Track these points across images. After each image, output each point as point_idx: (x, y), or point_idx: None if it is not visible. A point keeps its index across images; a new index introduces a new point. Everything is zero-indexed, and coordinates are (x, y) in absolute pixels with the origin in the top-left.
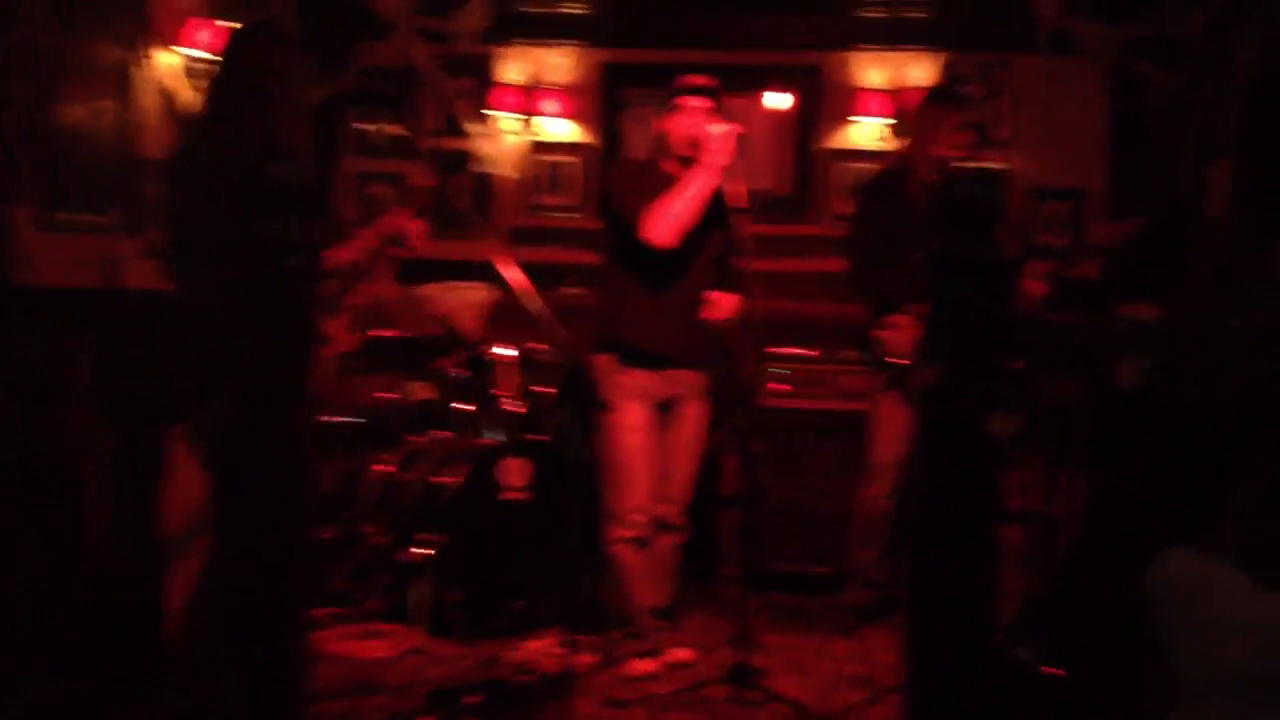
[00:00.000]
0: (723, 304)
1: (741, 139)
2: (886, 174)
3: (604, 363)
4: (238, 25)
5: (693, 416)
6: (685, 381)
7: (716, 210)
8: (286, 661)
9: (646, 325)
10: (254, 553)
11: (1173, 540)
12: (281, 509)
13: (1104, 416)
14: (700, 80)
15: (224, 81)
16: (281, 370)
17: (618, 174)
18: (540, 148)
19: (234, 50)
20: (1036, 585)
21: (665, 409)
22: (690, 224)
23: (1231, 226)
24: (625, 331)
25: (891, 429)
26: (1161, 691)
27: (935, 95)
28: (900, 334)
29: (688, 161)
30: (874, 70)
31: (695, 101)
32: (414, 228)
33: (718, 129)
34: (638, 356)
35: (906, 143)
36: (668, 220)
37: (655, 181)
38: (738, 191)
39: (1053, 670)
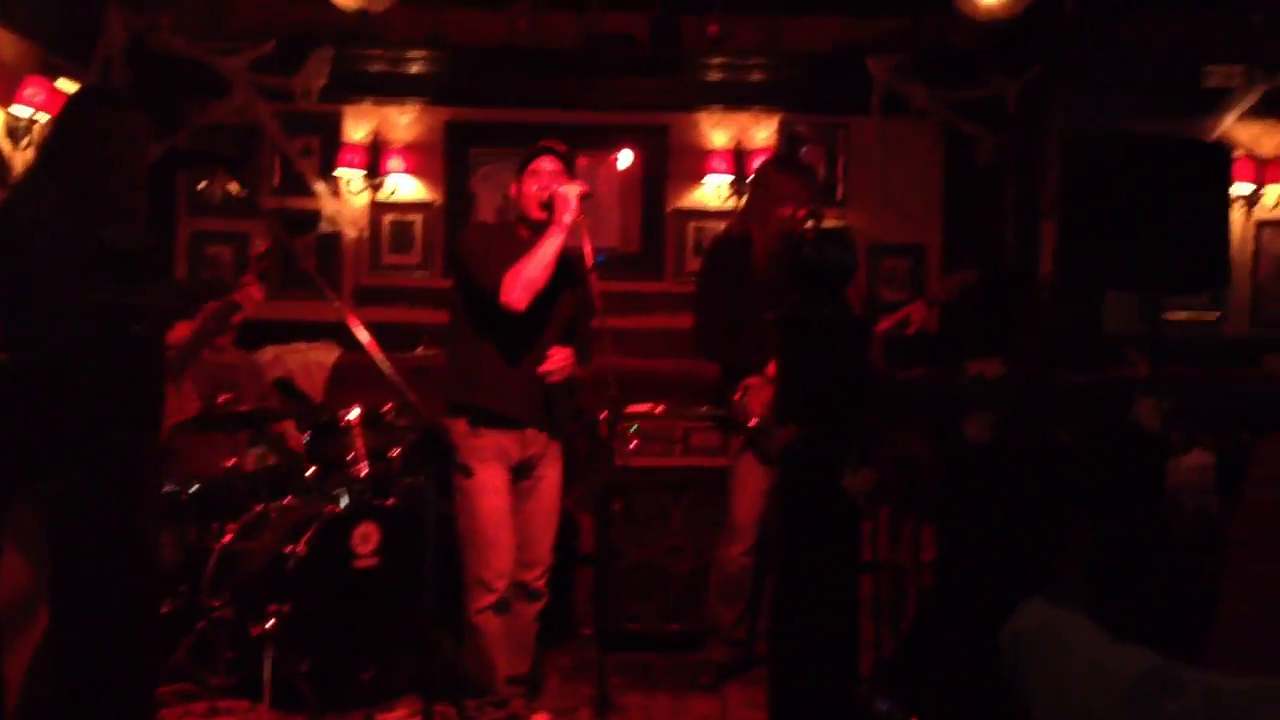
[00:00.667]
0: (556, 358)
1: (588, 198)
2: (730, 237)
3: (459, 426)
4: (72, 84)
5: (550, 479)
6: (540, 443)
7: (565, 270)
8: None
9: (500, 387)
10: (94, 628)
11: (1022, 590)
12: (123, 581)
13: (953, 470)
14: (551, 143)
15: (58, 144)
16: (123, 439)
17: (469, 237)
18: (385, 207)
19: (70, 113)
20: (890, 636)
21: (522, 472)
22: (542, 286)
23: (1059, 283)
24: (479, 394)
25: (749, 488)
26: None
27: (774, 161)
28: (754, 395)
29: (539, 224)
30: (719, 130)
31: (546, 163)
32: (253, 294)
33: (567, 190)
34: (492, 419)
35: (747, 205)
36: (522, 284)
37: (507, 244)
38: (586, 251)
39: None
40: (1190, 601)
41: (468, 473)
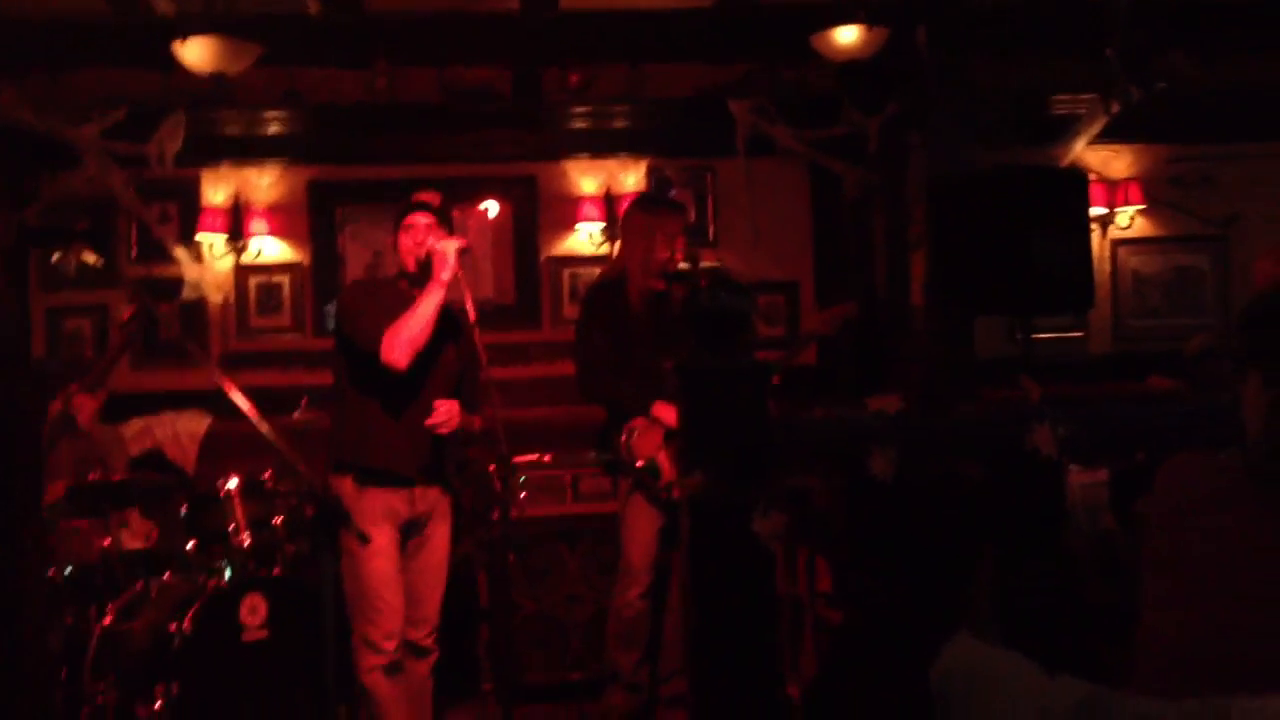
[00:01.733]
0: (441, 411)
1: (466, 253)
2: (605, 282)
3: (345, 486)
4: None
5: (439, 536)
6: (430, 500)
7: (447, 324)
8: None
9: (387, 445)
10: None
11: (933, 622)
12: (16, 676)
13: (859, 507)
14: (425, 197)
15: None
16: (4, 530)
17: (349, 296)
18: (251, 269)
19: None
20: (790, 669)
21: (411, 530)
22: (423, 342)
23: (931, 313)
24: (366, 453)
25: (641, 531)
26: None
27: (643, 201)
28: (640, 436)
29: (416, 278)
30: (587, 178)
31: (421, 218)
32: (86, 407)
33: (444, 245)
34: (380, 477)
35: (621, 248)
36: (402, 342)
37: (389, 300)
38: (467, 304)
39: None
40: (1098, 624)
41: (364, 539)
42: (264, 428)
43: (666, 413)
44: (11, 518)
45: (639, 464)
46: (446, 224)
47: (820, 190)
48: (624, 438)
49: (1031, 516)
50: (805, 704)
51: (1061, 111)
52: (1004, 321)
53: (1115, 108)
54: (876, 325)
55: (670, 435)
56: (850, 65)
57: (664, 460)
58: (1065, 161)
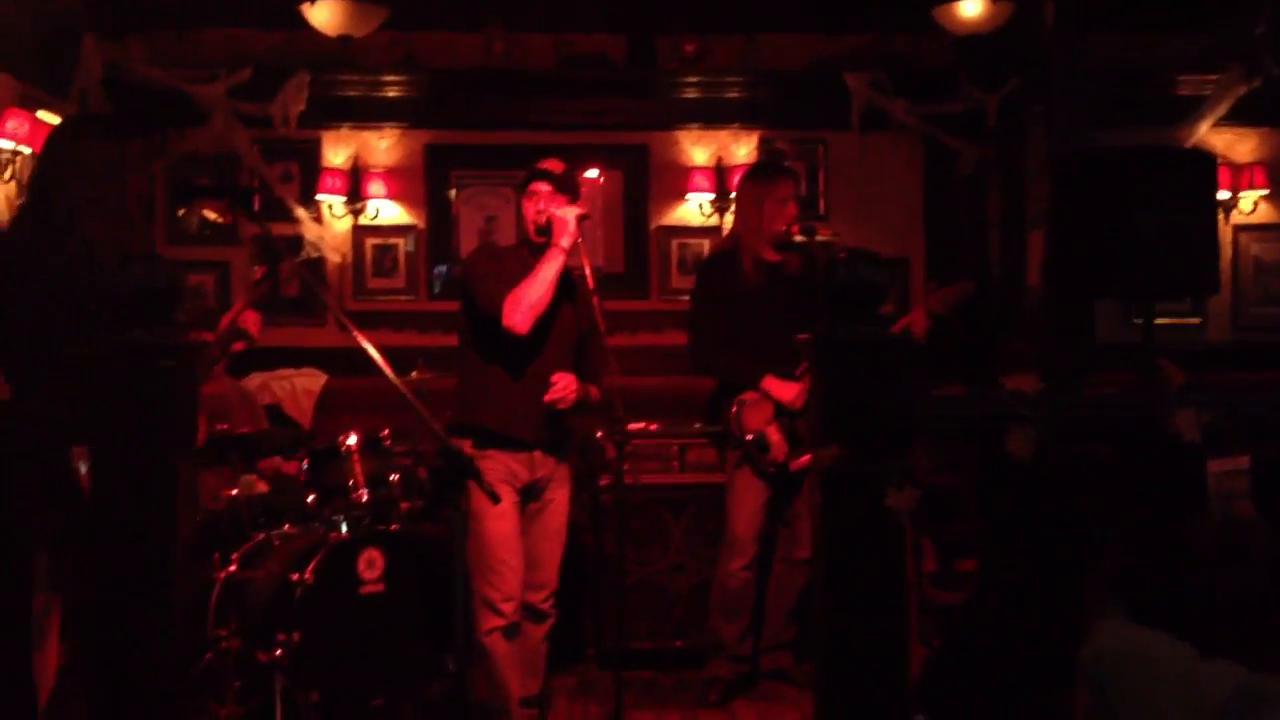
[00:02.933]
0: (559, 387)
1: (585, 219)
2: (720, 253)
3: (464, 448)
4: (53, 116)
5: (559, 500)
6: (549, 465)
7: (568, 290)
8: None
9: (507, 409)
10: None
11: (1060, 607)
12: (164, 612)
13: (994, 487)
14: (547, 164)
15: (52, 182)
16: (159, 473)
17: (475, 260)
18: (368, 231)
19: (55, 147)
20: (929, 650)
21: (531, 495)
22: (544, 308)
23: (1049, 295)
24: (486, 416)
25: (747, 503)
26: None
27: (754, 170)
28: (749, 410)
29: (538, 246)
30: (698, 148)
31: (542, 185)
32: (253, 320)
33: (564, 212)
34: (500, 441)
35: (736, 218)
36: (523, 308)
37: (512, 266)
38: (586, 271)
39: None
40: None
41: (495, 497)
42: (401, 386)
43: (777, 387)
44: (169, 460)
45: (748, 437)
46: (568, 191)
47: (934, 166)
48: (733, 410)
49: (1166, 501)
50: (924, 682)
51: (1186, 92)
52: (1119, 306)
53: (1254, 84)
54: (990, 306)
55: (780, 410)
56: (970, 39)
57: (772, 434)
58: (1189, 143)
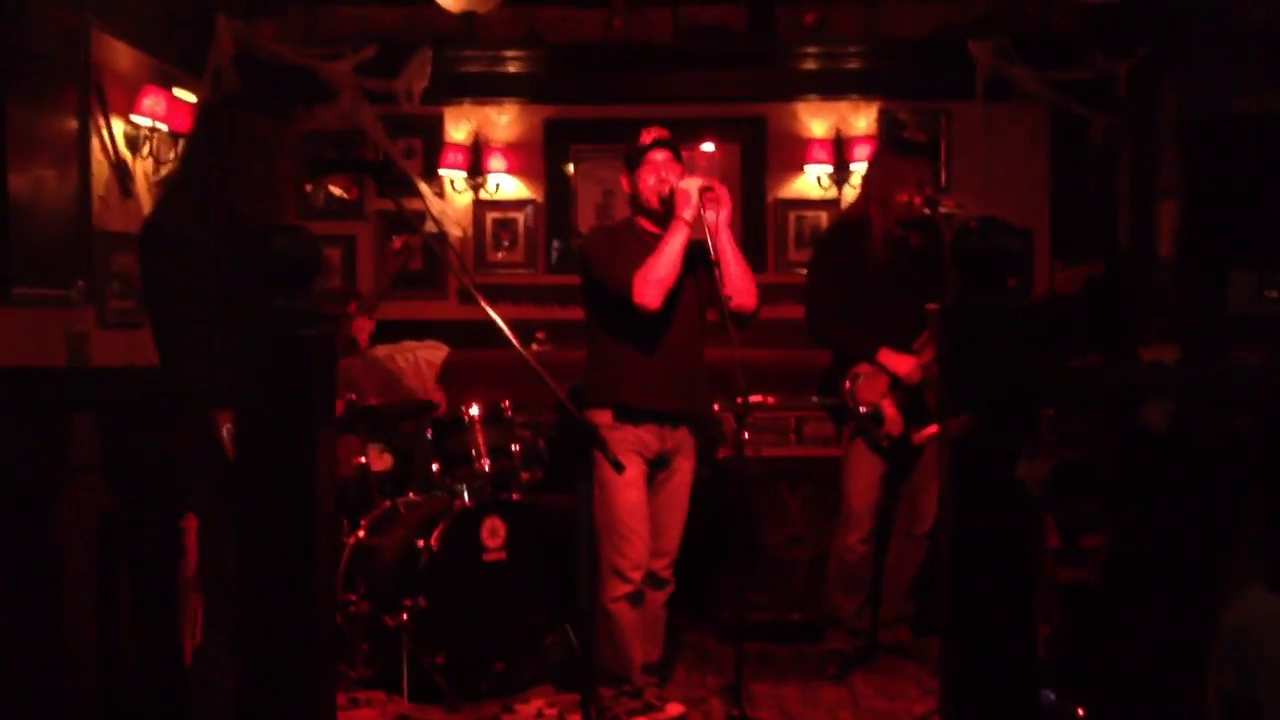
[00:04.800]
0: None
1: (708, 190)
2: (844, 223)
3: (600, 420)
4: (188, 94)
5: (684, 470)
6: (678, 437)
7: (692, 261)
8: None
9: (642, 382)
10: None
11: (1196, 581)
12: (310, 578)
13: (1131, 459)
14: (665, 134)
15: (204, 153)
16: (301, 438)
17: (593, 244)
18: (488, 205)
19: (220, 123)
20: (1056, 627)
21: (659, 465)
22: (673, 281)
23: (1181, 266)
24: (623, 391)
25: (863, 476)
26: None
27: (897, 145)
28: (864, 383)
29: (657, 215)
30: (816, 120)
31: (658, 155)
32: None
33: (688, 184)
34: (636, 414)
35: (864, 189)
36: (653, 284)
37: (631, 242)
38: (713, 242)
39: (1081, 712)
40: None
41: (620, 467)
42: (526, 354)
43: (893, 360)
44: (312, 427)
45: (862, 410)
46: (679, 160)
47: (1061, 136)
48: (848, 384)
49: None
50: (1052, 659)
51: None
52: (1251, 276)
53: None
54: (1118, 278)
55: (895, 383)
56: (1099, 4)
57: (888, 408)
58: None
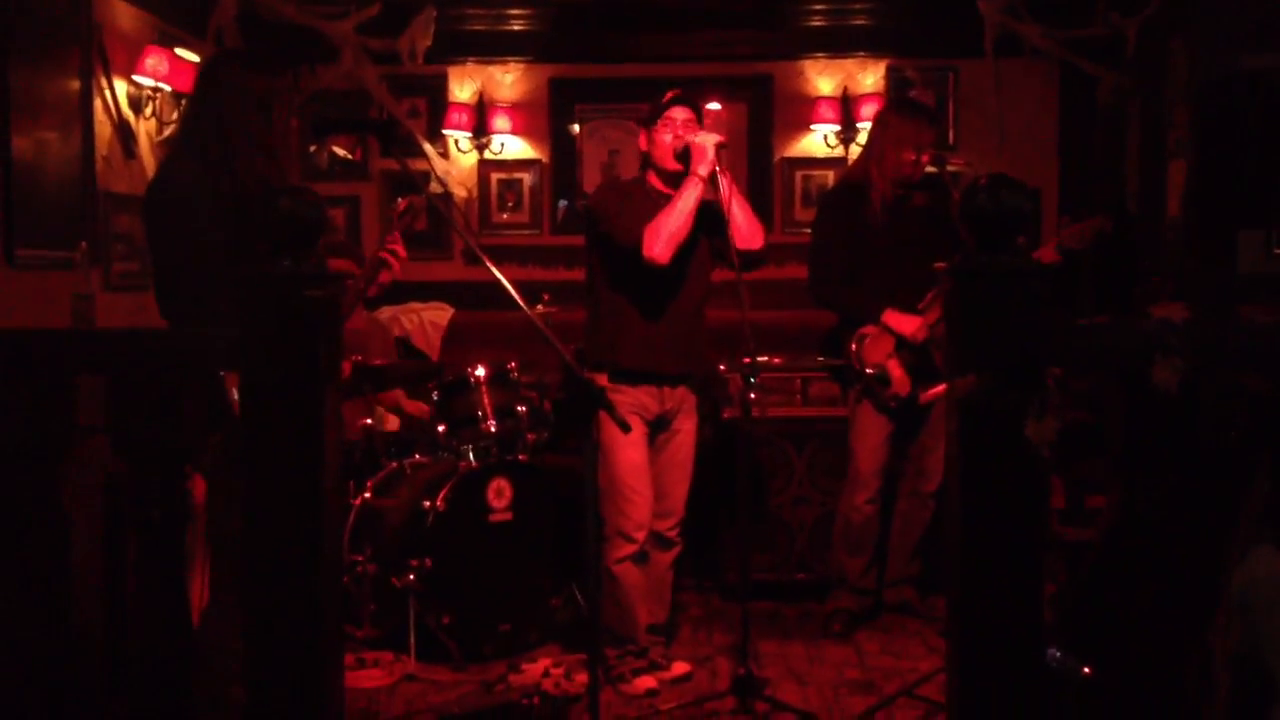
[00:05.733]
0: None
1: (723, 147)
2: (846, 184)
3: (600, 381)
4: (190, 54)
5: (686, 431)
6: (678, 397)
7: (703, 221)
8: (324, 700)
9: (642, 343)
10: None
11: (1204, 540)
12: (316, 539)
13: (1139, 418)
14: (683, 92)
15: (211, 114)
16: (307, 399)
17: (604, 197)
18: (493, 165)
19: (218, 81)
20: (1061, 586)
21: (659, 426)
22: (684, 237)
23: (1191, 225)
24: (621, 352)
25: (870, 438)
26: (1238, 691)
27: (902, 105)
28: (870, 344)
29: (672, 174)
30: (823, 78)
31: (679, 113)
32: (399, 251)
33: (703, 139)
34: (634, 376)
35: (866, 149)
36: (664, 238)
37: (642, 199)
38: (725, 200)
39: (1088, 671)
40: None
41: (626, 427)
42: (532, 314)
43: (898, 320)
44: (318, 387)
45: (868, 371)
46: (701, 120)
47: (1070, 94)
48: (853, 345)
49: None
50: (1058, 618)
51: None
52: (1260, 236)
53: None
54: (1127, 237)
55: (900, 344)
56: None
57: (893, 368)
58: None
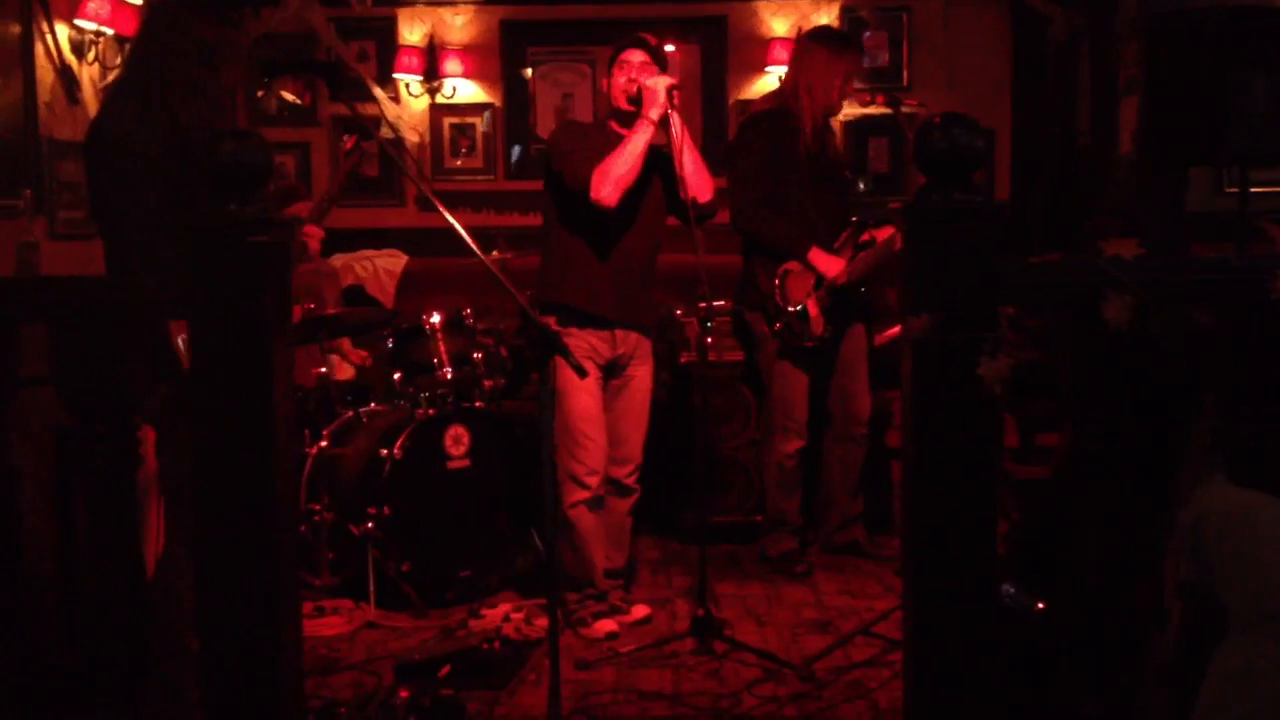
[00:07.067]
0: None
1: (676, 89)
2: (769, 111)
3: (551, 325)
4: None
5: (640, 376)
6: (630, 342)
7: (656, 165)
8: (278, 648)
9: (590, 286)
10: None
11: (1152, 475)
12: (267, 489)
13: (1088, 353)
14: (641, 35)
15: (152, 56)
16: (256, 346)
17: (558, 137)
18: (445, 110)
19: (160, 24)
20: (1014, 523)
21: (612, 371)
22: (632, 180)
23: (1141, 163)
24: (569, 293)
25: (796, 386)
26: (1188, 621)
27: (827, 36)
28: (794, 281)
29: (628, 116)
30: (778, 19)
31: (635, 55)
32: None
33: (654, 82)
34: (583, 318)
35: (788, 78)
36: (612, 180)
37: (597, 141)
38: (676, 144)
39: (1041, 605)
40: None
41: (582, 372)
42: (486, 260)
43: (823, 261)
44: (266, 335)
45: (790, 309)
46: (660, 64)
47: (1022, 34)
48: (776, 281)
49: (1267, 365)
50: (1011, 552)
51: None
52: (1210, 173)
53: None
54: (1076, 176)
55: (820, 283)
56: None
57: (812, 308)
58: None
